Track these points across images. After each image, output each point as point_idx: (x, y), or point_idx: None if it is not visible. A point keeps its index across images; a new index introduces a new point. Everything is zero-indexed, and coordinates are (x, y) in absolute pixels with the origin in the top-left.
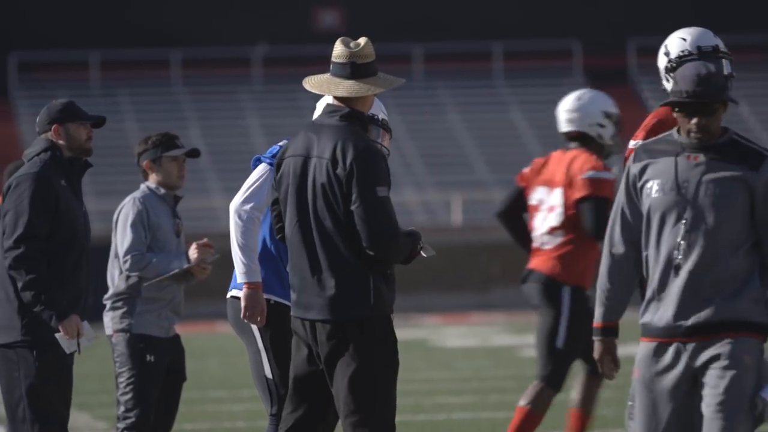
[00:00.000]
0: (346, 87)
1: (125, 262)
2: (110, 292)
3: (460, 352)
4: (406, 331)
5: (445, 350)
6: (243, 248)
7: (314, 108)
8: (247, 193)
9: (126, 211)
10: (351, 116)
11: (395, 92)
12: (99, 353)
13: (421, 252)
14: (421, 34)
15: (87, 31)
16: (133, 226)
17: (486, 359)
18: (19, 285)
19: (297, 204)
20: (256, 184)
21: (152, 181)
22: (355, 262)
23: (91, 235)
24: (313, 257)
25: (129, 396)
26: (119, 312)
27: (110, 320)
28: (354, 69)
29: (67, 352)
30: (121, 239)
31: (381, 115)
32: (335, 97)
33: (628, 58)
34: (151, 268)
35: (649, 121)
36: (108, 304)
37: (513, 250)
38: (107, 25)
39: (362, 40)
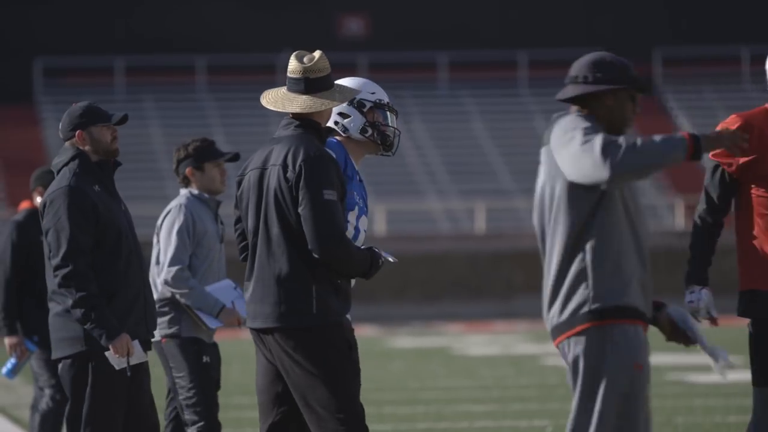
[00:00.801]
0: (300, 102)
1: (168, 272)
2: (155, 297)
3: (482, 360)
4: (429, 339)
5: (468, 358)
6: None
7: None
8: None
9: (171, 218)
10: (306, 125)
11: (419, 100)
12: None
13: (388, 258)
14: (446, 41)
15: (112, 36)
16: (179, 233)
17: (508, 367)
18: (70, 303)
19: (254, 215)
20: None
21: (194, 187)
22: (301, 270)
23: (136, 234)
24: (263, 265)
25: (195, 399)
26: (167, 318)
27: (158, 326)
28: (308, 84)
29: (117, 368)
30: (165, 247)
31: (385, 99)
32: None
33: (653, 67)
34: (187, 295)
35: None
36: None
37: (536, 258)
38: (132, 31)
39: (316, 54)
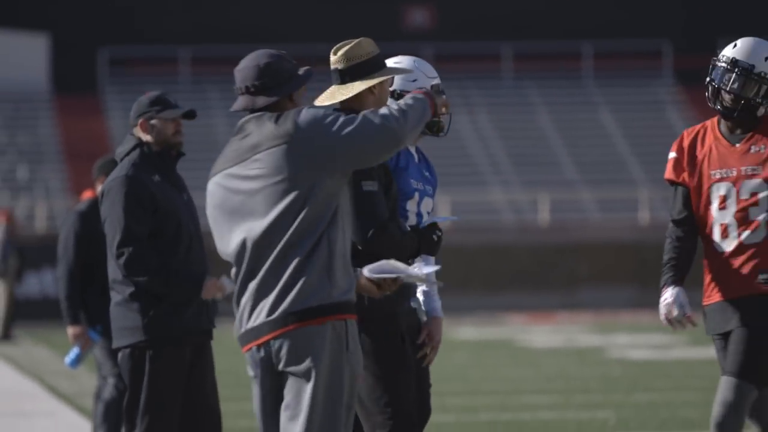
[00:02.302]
0: (348, 90)
1: None
2: None
3: (546, 351)
4: (492, 330)
5: (531, 349)
6: None
7: None
8: None
9: None
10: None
11: (484, 91)
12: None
13: (445, 223)
14: (511, 33)
15: (177, 26)
16: None
17: (572, 359)
18: (130, 292)
19: None
20: None
21: None
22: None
23: (199, 222)
24: None
25: None
26: None
27: None
28: (350, 72)
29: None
30: None
31: (428, 85)
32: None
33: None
34: None
35: None
36: None
37: (600, 250)
38: (198, 21)
39: (347, 45)
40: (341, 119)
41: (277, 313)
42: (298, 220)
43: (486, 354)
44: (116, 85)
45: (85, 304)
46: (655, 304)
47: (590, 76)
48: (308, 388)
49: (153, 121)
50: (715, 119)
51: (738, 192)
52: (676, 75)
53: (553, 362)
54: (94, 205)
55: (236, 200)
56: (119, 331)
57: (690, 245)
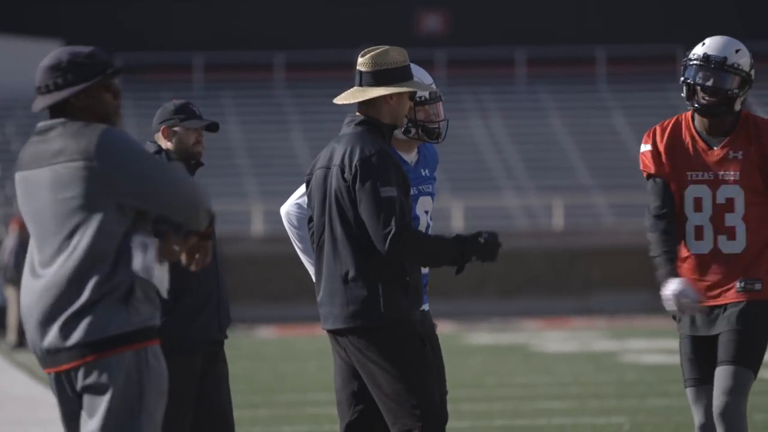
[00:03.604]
0: (368, 92)
1: None
2: None
3: (560, 356)
4: (506, 336)
5: (546, 355)
6: (304, 251)
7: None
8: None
9: None
10: (364, 122)
11: (498, 95)
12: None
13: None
14: (525, 37)
15: (191, 33)
16: None
17: (586, 364)
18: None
19: (320, 215)
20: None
21: None
22: (366, 269)
23: (215, 231)
24: (330, 266)
25: None
26: None
27: None
28: (374, 76)
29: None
30: None
31: (425, 94)
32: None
33: None
34: None
35: None
36: None
37: (614, 255)
38: (211, 27)
39: (376, 50)
40: (150, 157)
41: (72, 341)
42: (87, 243)
43: (501, 360)
44: (131, 91)
45: None
46: None
47: (604, 80)
48: (104, 403)
49: (176, 128)
50: (689, 114)
51: (714, 196)
52: None
53: (568, 368)
54: None
55: (33, 206)
56: None
57: (676, 237)
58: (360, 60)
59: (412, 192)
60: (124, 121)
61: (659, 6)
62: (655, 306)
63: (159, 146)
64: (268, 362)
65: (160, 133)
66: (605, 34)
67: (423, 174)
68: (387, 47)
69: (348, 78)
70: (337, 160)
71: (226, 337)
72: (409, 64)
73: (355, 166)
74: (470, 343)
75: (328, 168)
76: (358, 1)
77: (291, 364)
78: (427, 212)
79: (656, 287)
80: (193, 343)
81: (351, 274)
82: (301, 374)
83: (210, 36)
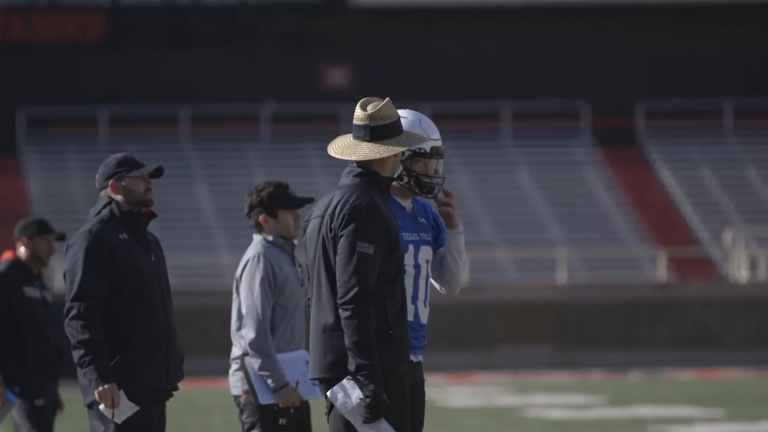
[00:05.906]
0: (360, 150)
1: (249, 332)
2: (236, 353)
3: (464, 411)
4: None
5: (450, 410)
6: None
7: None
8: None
9: (251, 270)
10: (364, 174)
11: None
12: None
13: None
14: (429, 93)
15: (95, 86)
16: (261, 284)
17: (490, 419)
18: (72, 344)
19: (312, 264)
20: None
21: (268, 232)
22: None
23: (168, 282)
24: (315, 315)
25: None
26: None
27: (239, 380)
28: (371, 132)
29: (107, 416)
30: (246, 301)
31: (427, 147)
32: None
33: (636, 119)
34: (261, 363)
35: None
36: (235, 364)
37: (517, 310)
38: (116, 80)
39: (380, 102)
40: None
41: None
42: None
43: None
44: (35, 145)
45: (4, 365)
46: (572, 364)
47: (509, 136)
48: None
49: (123, 182)
50: None
51: None
52: (594, 135)
53: (472, 423)
54: (14, 266)
55: None
56: (83, 389)
57: None
58: (360, 113)
59: (413, 238)
60: (26, 176)
61: (563, 62)
62: (559, 361)
63: (110, 198)
64: (170, 417)
65: (109, 188)
66: (510, 89)
67: (420, 222)
68: (380, 101)
69: (252, 132)
70: (330, 209)
71: (176, 388)
72: (398, 118)
73: (343, 215)
74: None
75: (322, 217)
76: (264, 55)
77: (195, 418)
78: (428, 261)
79: (560, 342)
80: (140, 390)
81: (330, 324)
82: (205, 428)
83: (114, 89)
